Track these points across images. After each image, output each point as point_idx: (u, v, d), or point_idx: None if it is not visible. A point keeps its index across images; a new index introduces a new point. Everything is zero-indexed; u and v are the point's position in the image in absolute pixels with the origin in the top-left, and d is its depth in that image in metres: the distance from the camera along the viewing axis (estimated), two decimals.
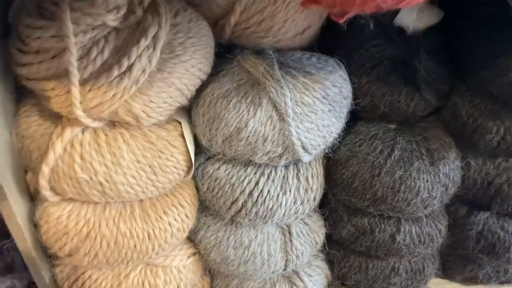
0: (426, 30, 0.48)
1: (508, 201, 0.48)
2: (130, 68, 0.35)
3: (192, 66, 0.38)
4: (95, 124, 0.38)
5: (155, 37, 0.36)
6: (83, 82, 0.36)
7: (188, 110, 0.45)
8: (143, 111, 0.37)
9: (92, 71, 0.36)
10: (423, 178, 0.45)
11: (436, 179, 0.46)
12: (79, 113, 0.36)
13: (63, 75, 0.36)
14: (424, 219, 0.49)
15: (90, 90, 0.36)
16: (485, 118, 0.46)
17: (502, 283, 0.57)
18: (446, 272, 0.58)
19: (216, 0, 0.41)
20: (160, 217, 0.44)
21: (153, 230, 0.43)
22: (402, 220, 0.48)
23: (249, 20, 0.42)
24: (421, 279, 0.54)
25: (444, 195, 0.47)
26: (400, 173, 0.45)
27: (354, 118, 0.49)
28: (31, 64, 0.36)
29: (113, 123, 0.40)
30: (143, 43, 0.35)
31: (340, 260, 0.54)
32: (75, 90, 0.35)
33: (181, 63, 0.38)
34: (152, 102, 0.37)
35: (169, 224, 0.44)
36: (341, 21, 0.27)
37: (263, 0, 0.40)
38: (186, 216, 0.46)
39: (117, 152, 0.39)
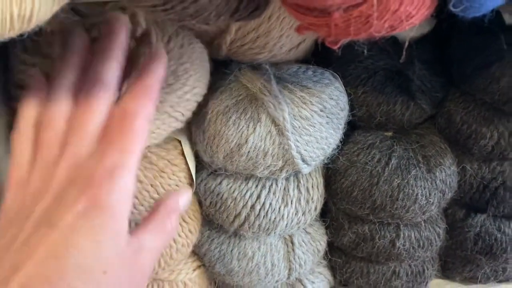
0: (419, 39, 0.49)
1: (503, 203, 0.49)
2: None
3: (186, 92, 0.39)
4: None
5: None
6: None
7: (188, 127, 0.46)
8: None
9: None
10: (421, 185, 0.46)
11: (433, 185, 0.47)
12: None
13: None
14: (423, 224, 0.50)
15: None
16: (479, 124, 0.47)
17: (500, 281, 0.58)
18: (445, 273, 0.59)
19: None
20: None
21: None
22: (401, 226, 0.49)
23: (245, 38, 0.42)
24: (421, 281, 0.55)
25: (442, 200, 0.48)
26: (398, 181, 0.46)
27: (352, 127, 0.50)
28: None
29: None
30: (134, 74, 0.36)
31: (342, 266, 0.55)
32: None
33: (173, 92, 0.38)
34: None
35: (174, 241, 0.45)
36: (335, 47, 0.28)
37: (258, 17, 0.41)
38: (190, 231, 0.47)
39: None
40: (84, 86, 0.31)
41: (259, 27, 0.42)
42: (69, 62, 0.32)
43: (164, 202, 0.32)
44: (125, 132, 0.29)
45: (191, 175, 0.44)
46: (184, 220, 0.47)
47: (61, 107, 0.30)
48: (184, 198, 0.35)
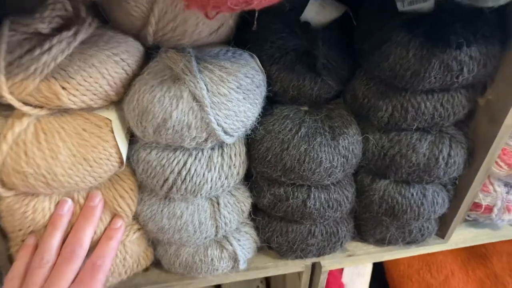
0: (329, 23, 0.56)
1: (400, 169, 0.56)
2: (50, 48, 0.43)
3: (114, 54, 0.46)
4: (27, 109, 0.45)
5: (76, 32, 0.44)
6: (9, 64, 0.44)
7: (121, 109, 0.51)
8: (63, 87, 0.44)
9: (20, 54, 0.44)
10: (324, 151, 0.52)
11: (336, 151, 0.53)
12: (7, 95, 0.44)
13: None
14: (332, 187, 0.57)
15: (17, 66, 0.44)
16: (376, 98, 0.54)
17: (408, 243, 0.66)
18: (361, 235, 0.66)
19: (133, 15, 0.48)
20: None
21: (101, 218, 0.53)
22: (312, 188, 0.56)
23: (165, 28, 0.48)
24: (336, 240, 0.61)
25: (346, 165, 0.54)
26: (305, 147, 0.52)
27: (271, 102, 0.56)
28: None
29: (50, 123, 0.47)
30: (65, 34, 0.44)
31: (264, 226, 0.61)
32: (1, 75, 0.43)
33: (102, 50, 0.45)
34: (71, 78, 0.44)
35: (116, 210, 0.54)
36: (210, 19, 0.34)
37: (174, 9, 0.47)
38: (127, 203, 0.54)
39: (55, 148, 0.46)
40: (69, 246, 0.49)
41: (176, 17, 0.48)
42: (58, 225, 0.50)
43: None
44: (93, 281, 0.48)
45: (120, 150, 0.50)
46: (120, 195, 0.54)
47: (50, 257, 0.48)
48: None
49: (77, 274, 0.48)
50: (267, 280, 0.97)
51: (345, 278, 0.91)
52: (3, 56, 0.43)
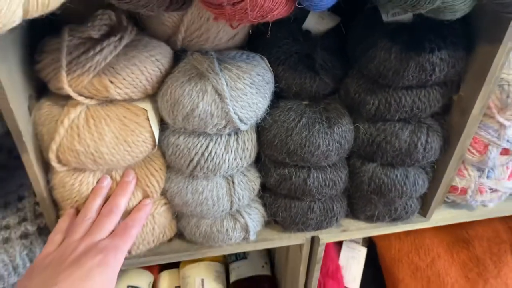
0: (326, 31, 0.66)
1: (386, 154, 0.66)
2: (101, 50, 0.54)
3: (151, 55, 0.57)
4: (81, 99, 0.56)
5: (121, 37, 0.55)
6: (69, 62, 0.55)
7: (155, 101, 0.62)
8: (111, 81, 0.55)
9: (77, 55, 0.55)
10: (322, 137, 0.63)
11: (332, 137, 0.63)
12: (67, 87, 0.54)
13: None
14: (328, 168, 0.67)
15: (75, 64, 0.55)
16: (365, 94, 0.64)
17: (394, 220, 0.76)
18: (353, 212, 0.76)
19: (166, 25, 0.59)
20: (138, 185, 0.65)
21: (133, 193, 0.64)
22: (312, 169, 0.66)
23: (192, 35, 0.59)
24: (332, 216, 0.72)
25: (340, 149, 0.65)
26: (306, 133, 0.62)
27: (278, 96, 0.67)
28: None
29: (98, 111, 0.57)
30: (113, 38, 0.55)
31: (271, 202, 0.71)
32: (63, 71, 0.54)
33: (142, 52, 0.56)
34: (118, 74, 0.55)
35: (147, 186, 0.64)
36: (234, 29, 0.45)
37: (199, 20, 0.57)
38: (157, 180, 0.65)
39: (102, 132, 0.55)
40: (108, 206, 0.59)
41: (201, 26, 0.59)
42: (99, 194, 0.60)
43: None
44: (126, 234, 0.57)
45: (154, 135, 0.60)
46: (151, 173, 0.64)
47: (91, 215, 0.58)
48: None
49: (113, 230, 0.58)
50: (271, 261, 1.07)
51: (341, 261, 1.01)
52: (64, 56, 0.55)
